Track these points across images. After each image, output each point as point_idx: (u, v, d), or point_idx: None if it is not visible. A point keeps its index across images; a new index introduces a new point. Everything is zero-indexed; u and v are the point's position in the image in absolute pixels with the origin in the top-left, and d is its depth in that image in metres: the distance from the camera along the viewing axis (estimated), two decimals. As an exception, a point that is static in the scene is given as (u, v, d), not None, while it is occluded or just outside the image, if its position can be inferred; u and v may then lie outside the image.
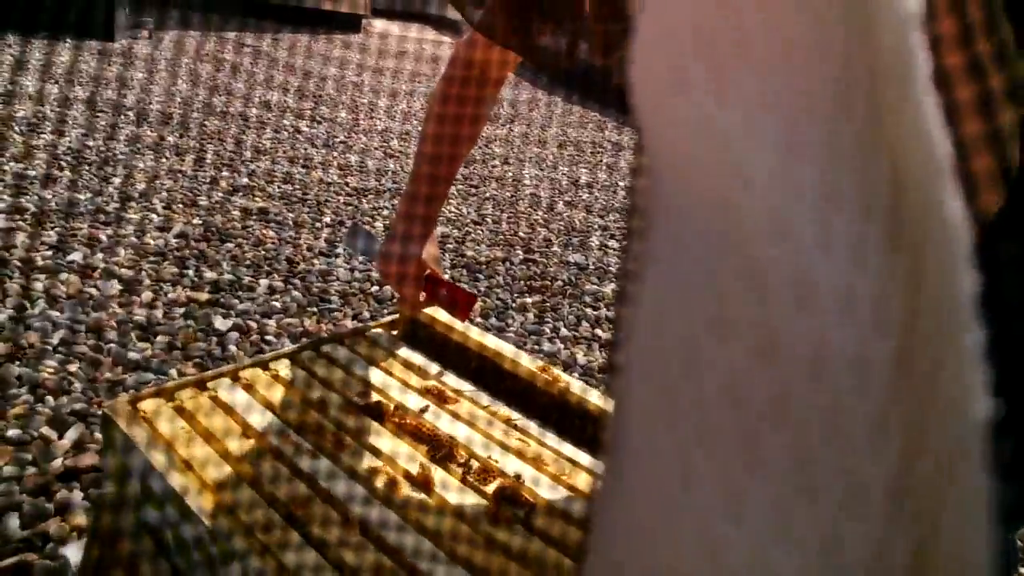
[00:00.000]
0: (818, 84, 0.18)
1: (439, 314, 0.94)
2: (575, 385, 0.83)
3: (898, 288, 0.19)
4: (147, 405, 0.72)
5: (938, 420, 0.19)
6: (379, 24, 7.69)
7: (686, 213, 0.22)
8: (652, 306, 0.23)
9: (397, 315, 0.98)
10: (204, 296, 1.78)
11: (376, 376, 0.84)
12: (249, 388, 0.77)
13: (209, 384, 0.77)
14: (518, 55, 0.79)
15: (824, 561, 0.19)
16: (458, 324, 0.93)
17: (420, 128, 0.92)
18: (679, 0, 0.22)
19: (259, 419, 0.72)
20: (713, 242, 0.21)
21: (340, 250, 2.18)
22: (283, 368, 0.82)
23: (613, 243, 2.68)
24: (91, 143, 2.63)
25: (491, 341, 0.91)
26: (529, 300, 2.12)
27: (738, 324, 0.20)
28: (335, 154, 3.15)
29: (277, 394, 0.77)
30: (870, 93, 0.18)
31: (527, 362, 0.86)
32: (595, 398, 0.80)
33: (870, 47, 0.18)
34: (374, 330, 0.95)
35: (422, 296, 0.89)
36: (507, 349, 0.89)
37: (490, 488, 0.68)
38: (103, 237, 1.96)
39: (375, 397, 0.79)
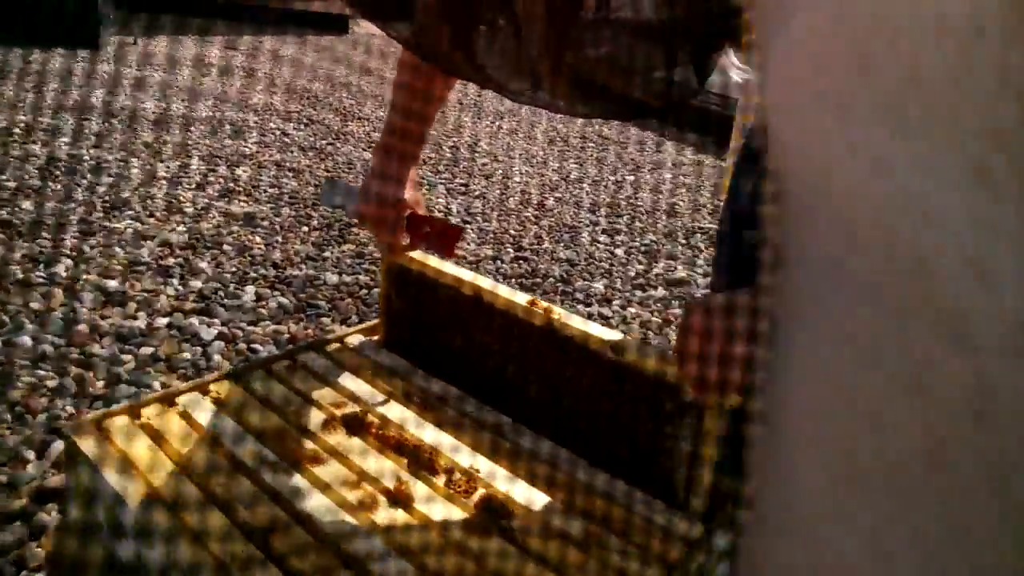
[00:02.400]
0: (1006, 110, 0.16)
1: (429, 260, 0.87)
2: (574, 319, 0.76)
3: None
4: (112, 423, 0.69)
5: None
6: (368, 26, 7.62)
7: (848, 252, 0.20)
8: (814, 357, 0.22)
9: (378, 320, 0.94)
10: (189, 305, 1.74)
11: (356, 385, 0.80)
12: (219, 402, 0.74)
13: (178, 400, 0.73)
14: (463, 78, 0.65)
15: None
16: (449, 268, 0.85)
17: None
18: (832, 23, 0.19)
19: (229, 435, 0.68)
20: (899, 290, 0.19)
21: (328, 253, 2.14)
22: (256, 380, 0.78)
23: (604, 238, 2.65)
24: (74, 152, 2.59)
25: (485, 282, 0.83)
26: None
27: (940, 381, 0.18)
28: (322, 157, 3.12)
29: (249, 408, 0.73)
30: None
31: (521, 299, 0.79)
32: (595, 330, 0.74)
33: None
34: (353, 336, 0.92)
35: (405, 239, 0.85)
36: (500, 288, 0.82)
37: (473, 499, 0.64)
38: (86, 248, 1.92)
39: (354, 408, 0.75)
